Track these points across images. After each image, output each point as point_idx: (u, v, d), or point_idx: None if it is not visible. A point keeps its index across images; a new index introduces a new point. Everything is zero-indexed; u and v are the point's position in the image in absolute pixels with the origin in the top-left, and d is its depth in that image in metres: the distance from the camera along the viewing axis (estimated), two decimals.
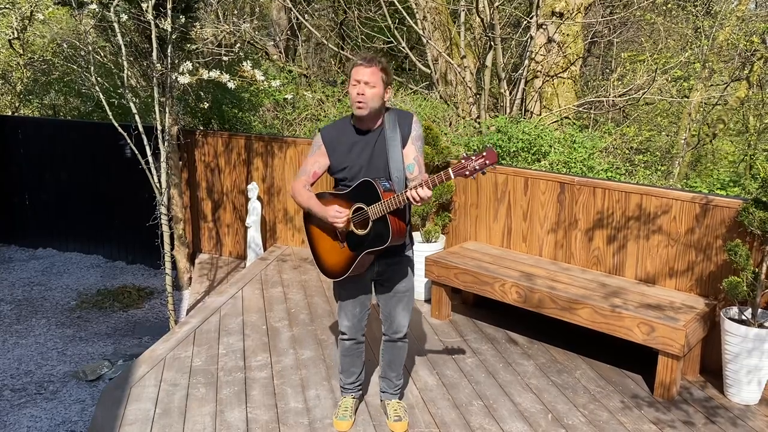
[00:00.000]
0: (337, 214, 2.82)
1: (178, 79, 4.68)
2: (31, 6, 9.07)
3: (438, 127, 6.38)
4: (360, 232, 2.87)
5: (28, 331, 5.83)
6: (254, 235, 6.18)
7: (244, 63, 5.01)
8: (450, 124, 7.33)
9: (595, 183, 4.34)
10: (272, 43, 10.49)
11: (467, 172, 2.54)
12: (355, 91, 2.79)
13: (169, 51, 4.83)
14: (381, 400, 3.42)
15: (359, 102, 2.79)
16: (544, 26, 7.72)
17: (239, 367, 3.93)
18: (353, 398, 3.36)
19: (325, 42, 9.77)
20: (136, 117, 4.87)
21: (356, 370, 3.31)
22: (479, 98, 7.63)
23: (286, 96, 7.32)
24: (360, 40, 9.64)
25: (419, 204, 2.65)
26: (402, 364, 3.30)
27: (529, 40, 7.66)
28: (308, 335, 4.39)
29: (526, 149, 5.76)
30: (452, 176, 2.56)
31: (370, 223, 2.82)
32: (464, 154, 2.57)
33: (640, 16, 9.21)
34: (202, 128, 6.91)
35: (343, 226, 2.86)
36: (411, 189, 2.64)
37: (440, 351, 4.14)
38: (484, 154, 2.52)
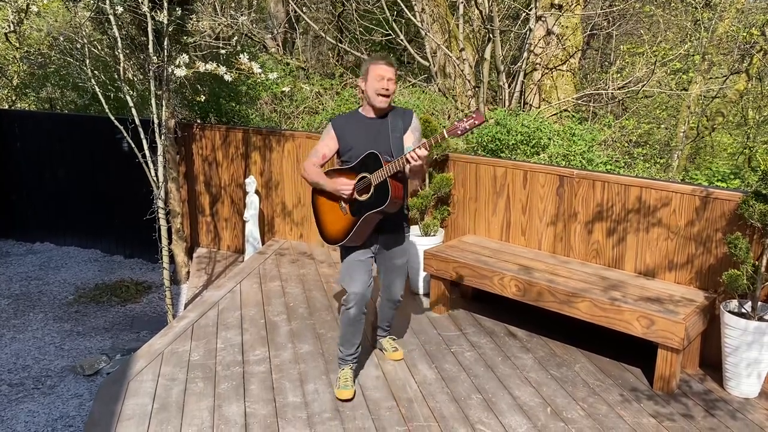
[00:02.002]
0: (344, 186, 3.27)
1: (175, 71, 4.65)
2: None
3: (437, 120, 6.35)
4: (363, 197, 3.24)
5: (26, 326, 5.81)
6: (252, 229, 6.16)
7: (242, 56, 4.98)
8: (449, 116, 7.30)
9: (595, 176, 4.32)
10: (270, 36, 10.44)
11: (459, 132, 2.92)
12: (381, 85, 3.23)
13: (165, 43, 4.79)
14: (377, 342, 4.02)
15: (386, 95, 3.25)
16: (543, 18, 7.68)
17: (237, 361, 3.92)
18: (351, 369, 3.57)
19: (323, 35, 9.73)
20: (133, 110, 4.84)
21: (356, 341, 3.54)
22: (478, 91, 7.60)
23: (283, 89, 7.29)
24: (358, 33, 9.59)
25: (417, 163, 2.99)
26: (393, 317, 3.91)
27: (528, 32, 7.62)
28: (307, 329, 4.38)
29: (525, 142, 5.74)
30: (446, 136, 2.93)
31: (372, 189, 3.19)
32: (457, 119, 2.84)
33: (640, 8, 9.18)
34: (199, 121, 6.88)
35: (349, 196, 3.28)
36: (410, 151, 3.00)
37: (439, 344, 4.13)
38: (474, 115, 2.90)
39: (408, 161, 3.00)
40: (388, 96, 3.25)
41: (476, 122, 2.88)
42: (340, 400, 3.44)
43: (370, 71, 3.24)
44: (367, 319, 4.46)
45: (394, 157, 3.23)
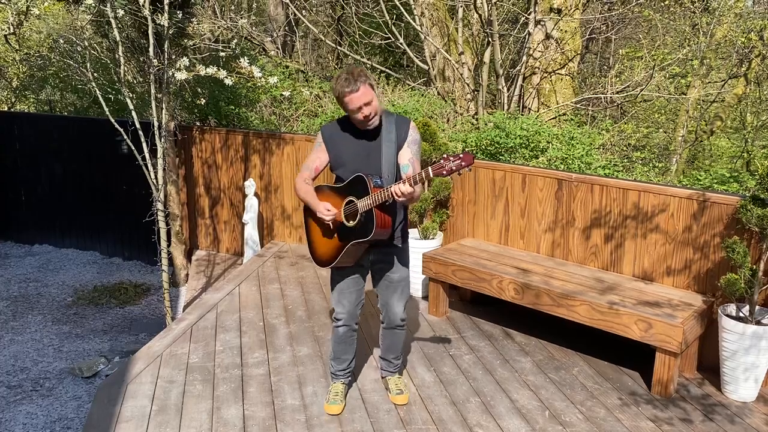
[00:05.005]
0: (326, 212, 3.05)
1: (175, 74, 4.66)
2: (27, 1, 9.03)
3: (436, 124, 6.37)
4: (350, 223, 3.05)
5: (24, 328, 5.81)
6: (251, 231, 6.16)
7: (242, 59, 4.99)
8: (447, 120, 7.32)
9: (593, 180, 4.33)
10: (270, 38, 10.46)
11: (444, 172, 2.70)
12: (361, 114, 2.93)
13: (166, 46, 4.80)
14: (382, 377, 3.63)
15: (370, 121, 2.97)
16: (542, 22, 7.71)
17: (236, 363, 3.92)
18: (343, 384, 3.47)
19: (323, 38, 9.75)
20: (133, 113, 4.85)
21: (348, 357, 3.42)
22: (477, 94, 7.61)
23: (283, 92, 7.30)
24: (357, 36, 9.61)
25: (401, 199, 2.80)
26: (400, 347, 3.50)
27: (527, 36, 7.64)
28: (305, 332, 4.38)
29: (524, 145, 5.76)
30: (431, 174, 2.71)
31: (359, 216, 2.99)
32: (444, 155, 2.72)
33: (638, 12, 9.20)
34: (199, 124, 6.88)
35: (330, 222, 3.08)
36: (394, 185, 2.80)
37: (437, 348, 4.13)
38: (461, 156, 2.69)
39: (392, 195, 2.81)
40: (372, 120, 2.98)
41: (463, 164, 2.68)
42: (328, 414, 3.34)
43: (344, 103, 2.93)
44: (368, 325, 4.47)
45: (383, 179, 3.00)
